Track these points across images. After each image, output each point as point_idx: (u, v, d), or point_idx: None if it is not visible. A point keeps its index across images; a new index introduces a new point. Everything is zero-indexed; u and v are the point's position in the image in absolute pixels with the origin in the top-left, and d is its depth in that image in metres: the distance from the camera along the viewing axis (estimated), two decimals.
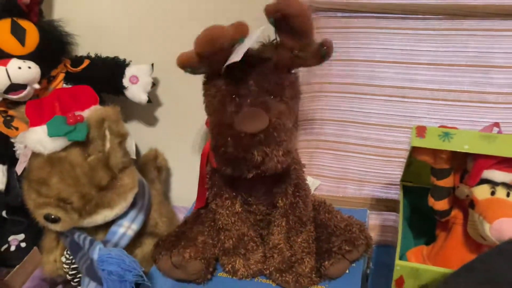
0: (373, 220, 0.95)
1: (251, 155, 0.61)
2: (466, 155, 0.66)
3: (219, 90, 0.68)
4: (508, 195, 0.64)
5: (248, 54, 0.64)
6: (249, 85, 0.67)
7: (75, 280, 0.81)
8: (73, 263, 0.79)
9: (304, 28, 0.63)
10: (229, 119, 0.63)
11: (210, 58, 0.64)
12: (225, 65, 0.63)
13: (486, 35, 0.78)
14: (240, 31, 0.63)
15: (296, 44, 0.65)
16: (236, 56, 0.61)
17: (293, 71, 0.71)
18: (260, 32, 0.65)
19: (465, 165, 0.68)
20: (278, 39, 0.67)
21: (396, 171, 0.92)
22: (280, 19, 0.62)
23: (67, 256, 0.80)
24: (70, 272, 0.80)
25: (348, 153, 0.95)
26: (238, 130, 0.60)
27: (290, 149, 0.64)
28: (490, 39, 0.78)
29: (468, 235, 0.68)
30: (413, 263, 0.68)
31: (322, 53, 0.66)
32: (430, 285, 0.63)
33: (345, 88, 0.90)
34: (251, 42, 0.63)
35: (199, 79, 0.73)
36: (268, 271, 0.73)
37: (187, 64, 0.67)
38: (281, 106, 0.66)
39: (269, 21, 0.64)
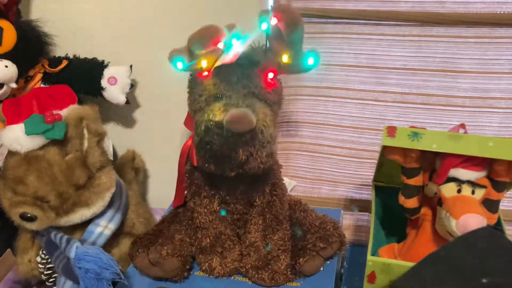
0: (347, 220, 0.97)
1: (236, 154, 0.63)
2: (435, 154, 0.69)
3: (206, 88, 0.69)
4: (473, 192, 0.67)
5: (238, 56, 0.66)
6: (236, 87, 0.68)
7: (50, 280, 0.80)
8: (49, 263, 0.79)
9: (297, 38, 0.65)
10: (217, 117, 0.64)
11: (199, 56, 0.66)
12: (217, 64, 0.65)
13: (453, 42, 0.82)
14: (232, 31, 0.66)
15: (286, 51, 0.67)
16: (229, 57, 0.63)
17: (277, 77, 0.72)
18: (254, 37, 0.67)
19: (434, 164, 0.70)
20: (268, 44, 0.69)
21: (369, 172, 0.94)
22: (275, 26, 0.64)
23: (43, 256, 0.79)
24: (45, 272, 0.79)
25: (323, 154, 0.97)
26: (225, 129, 0.62)
27: (273, 151, 0.66)
28: (457, 45, 0.82)
29: (437, 232, 0.71)
30: (384, 259, 0.70)
31: (309, 63, 0.68)
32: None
33: (320, 91, 0.92)
34: (245, 46, 0.65)
35: (177, 81, 0.75)
36: (244, 269, 0.74)
37: (178, 56, 0.68)
38: (266, 109, 0.68)
39: (261, 26, 0.66)
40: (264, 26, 0.65)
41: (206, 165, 0.66)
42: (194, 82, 0.71)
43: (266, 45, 0.69)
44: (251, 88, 0.68)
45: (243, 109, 0.62)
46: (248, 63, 0.69)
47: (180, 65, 0.69)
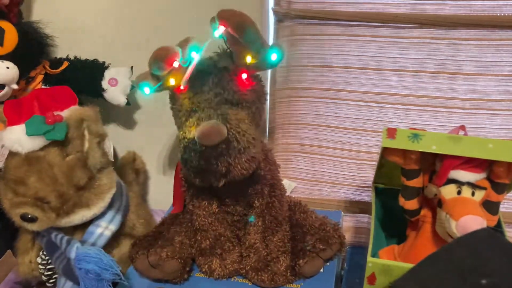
0: (347, 222, 0.97)
1: (215, 166, 0.63)
2: (434, 156, 0.69)
3: (182, 104, 0.70)
4: (473, 194, 0.67)
5: (206, 66, 0.66)
6: (209, 97, 0.68)
7: (51, 281, 0.80)
8: (49, 264, 0.79)
9: (250, 36, 0.65)
10: (191, 133, 0.64)
11: (164, 78, 0.67)
12: (183, 80, 0.65)
13: (453, 44, 0.82)
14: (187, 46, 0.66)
15: (247, 52, 0.67)
16: (186, 75, 0.65)
17: (254, 75, 0.72)
18: (205, 47, 0.68)
19: (434, 166, 0.71)
20: (229, 49, 0.69)
21: (369, 174, 0.94)
22: (225, 31, 0.65)
23: (43, 256, 0.79)
24: (46, 273, 0.80)
25: (323, 156, 0.97)
26: (198, 144, 0.62)
27: (255, 154, 0.66)
28: (457, 47, 0.82)
29: (437, 233, 0.71)
30: (384, 260, 0.69)
31: (273, 59, 0.68)
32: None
33: (320, 93, 0.92)
34: (196, 59, 0.66)
35: None
36: (244, 271, 0.74)
37: (144, 82, 0.71)
38: (241, 113, 0.68)
39: (214, 34, 0.66)
40: (217, 33, 0.66)
41: (192, 179, 0.67)
42: (173, 98, 0.72)
43: (228, 49, 0.69)
44: (223, 95, 0.68)
45: (212, 122, 0.62)
46: (217, 71, 0.69)
47: (147, 90, 0.72)
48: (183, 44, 0.70)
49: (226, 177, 0.65)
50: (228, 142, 0.63)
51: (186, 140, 0.64)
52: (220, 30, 0.64)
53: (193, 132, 0.63)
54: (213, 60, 0.70)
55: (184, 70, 0.68)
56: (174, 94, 0.72)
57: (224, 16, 0.64)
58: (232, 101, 0.69)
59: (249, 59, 0.67)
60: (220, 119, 0.64)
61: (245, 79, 0.70)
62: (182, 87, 0.69)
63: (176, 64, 0.68)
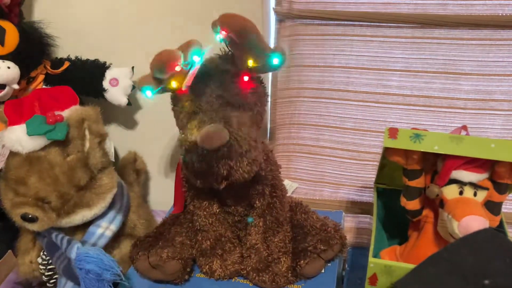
0: (349, 223, 0.96)
1: (216, 169, 0.63)
2: (436, 156, 0.69)
3: (183, 105, 0.70)
4: (475, 194, 0.67)
5: (208, 68, 0.66)
6: (210, 99, 0.68)
7: (51, 281, 0.80)
8: (50, 264, 0.79)
9: (252, 42, 0.64)
10: (192, 136, 0.64)
11: (166, 81, 0.67)
12: (185, 83, 0.65)
13: (455, 44, 0.82)
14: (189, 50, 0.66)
15: (248, 56, 0.66)
16: (187, 80, 0.64)
17: (255, 77, 0.72)
18: (206, 52, 0.68)
19: (436, 166, 0.70)
20: (231, 52, 0.69)
21: (370, 175, 0.94)
22: (227, 35, 0.64)
23: (44, 257, 0.79)
24: (46, 273, 0.80)
25: (324, 156, 0.97)
26: (200, 147, 0.62)
27: (256, 157, 0.66)
28: (459, 47, 0.82)
29: (439, 234, 0.70)
30: (386, 261, 0.69)
31: (274, 63, 0.68)
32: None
33: (321, 93, 0.92)
34: (198, 64, 0.66)
35: None
36: (245, 271, 0.74)
37: (146, 85, 0.70)
38: (243, 116, 0.68)
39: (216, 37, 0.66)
40: (219, 38, 0.65)
41: (194, 181, 0.67)
42: (175, 99, 0.72)
43: (230, 52, 0.69)
44: (225, 98, 0.68)
45: (214, 125, 0.62)
46: (219, 73, 0.68)
47: (149, 93, 0.71)
48: (185, 47, 0.70)
49: (227, 179, 0.65)
50: (229, 146, 0.63)
51: (188, 142, 0.64)
52: (222, 35, 0.64)
53: (195, 134, 0.63)
54: (215, 63, 0.70)
55: (186, 72, 0.68)
56: (175, 96, 0.72)
57: (226, 21, 0.63)
58: (234, 104, 0.68)
59: (250, 63, 0.67)
60: (222, 122, 0.64)
61: (247, 81, 0.69)
62: (183, 89, 0.69)
63: (178, 68, 0.67)
